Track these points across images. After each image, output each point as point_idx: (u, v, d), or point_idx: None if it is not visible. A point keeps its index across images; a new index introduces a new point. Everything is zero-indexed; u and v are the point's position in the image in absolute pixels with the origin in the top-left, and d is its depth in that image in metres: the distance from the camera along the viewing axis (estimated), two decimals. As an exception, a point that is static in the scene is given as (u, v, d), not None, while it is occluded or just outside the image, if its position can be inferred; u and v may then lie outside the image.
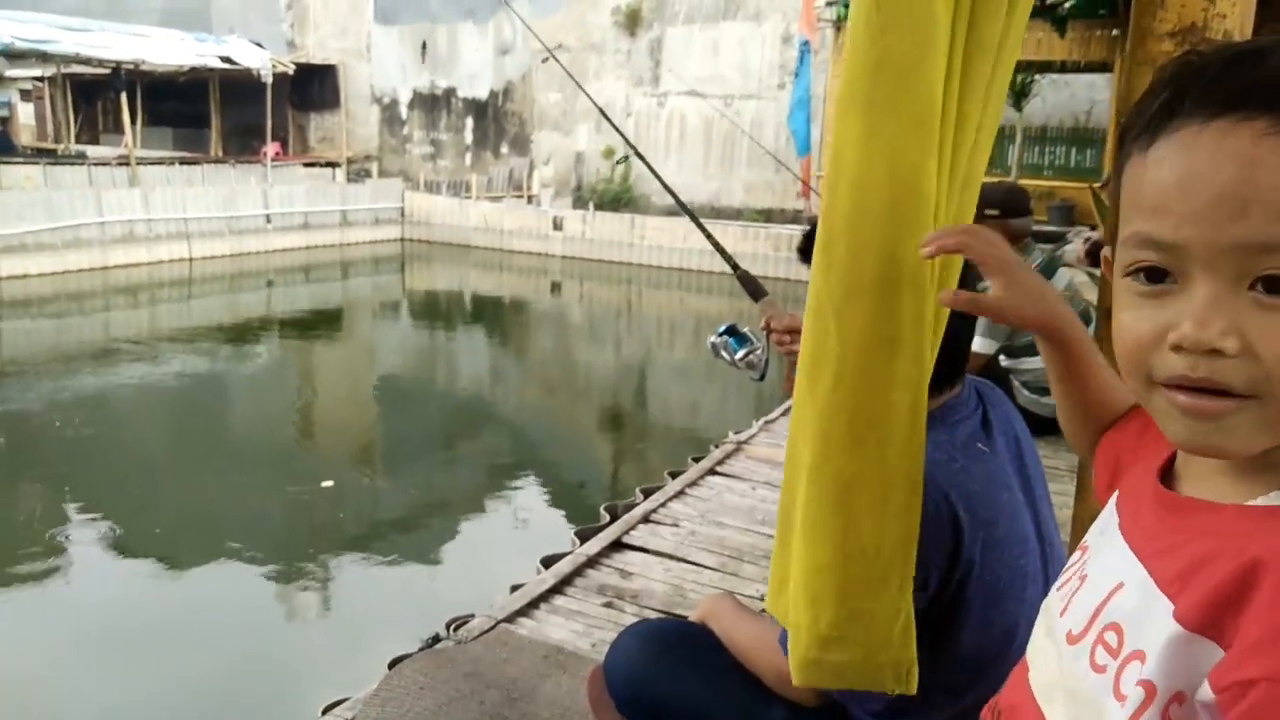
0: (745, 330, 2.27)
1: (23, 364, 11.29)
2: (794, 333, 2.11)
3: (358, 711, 2.56)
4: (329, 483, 7.20)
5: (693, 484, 4.45)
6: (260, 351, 12.79)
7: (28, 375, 10.70)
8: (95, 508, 6.78)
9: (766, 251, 16.43)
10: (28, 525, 6.60)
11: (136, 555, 6.01)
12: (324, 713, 2.63)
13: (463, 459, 8.52)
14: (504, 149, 22.31)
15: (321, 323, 14.90)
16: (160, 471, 7.82)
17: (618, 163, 20.39)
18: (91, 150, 20.96)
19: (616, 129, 4.05)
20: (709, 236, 2.79)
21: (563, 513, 6.89)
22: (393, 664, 2.88)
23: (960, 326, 1.54)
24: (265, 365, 12.13)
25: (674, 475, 4.68)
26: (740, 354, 2.23)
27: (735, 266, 2.49)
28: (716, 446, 5.10)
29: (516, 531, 6.68)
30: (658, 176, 3.08)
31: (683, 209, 3.01)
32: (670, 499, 4.25)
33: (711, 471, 4.63)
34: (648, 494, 4.38)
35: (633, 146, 3.72)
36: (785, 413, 5.75)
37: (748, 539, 3.87)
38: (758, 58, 19.04)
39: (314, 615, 5.42)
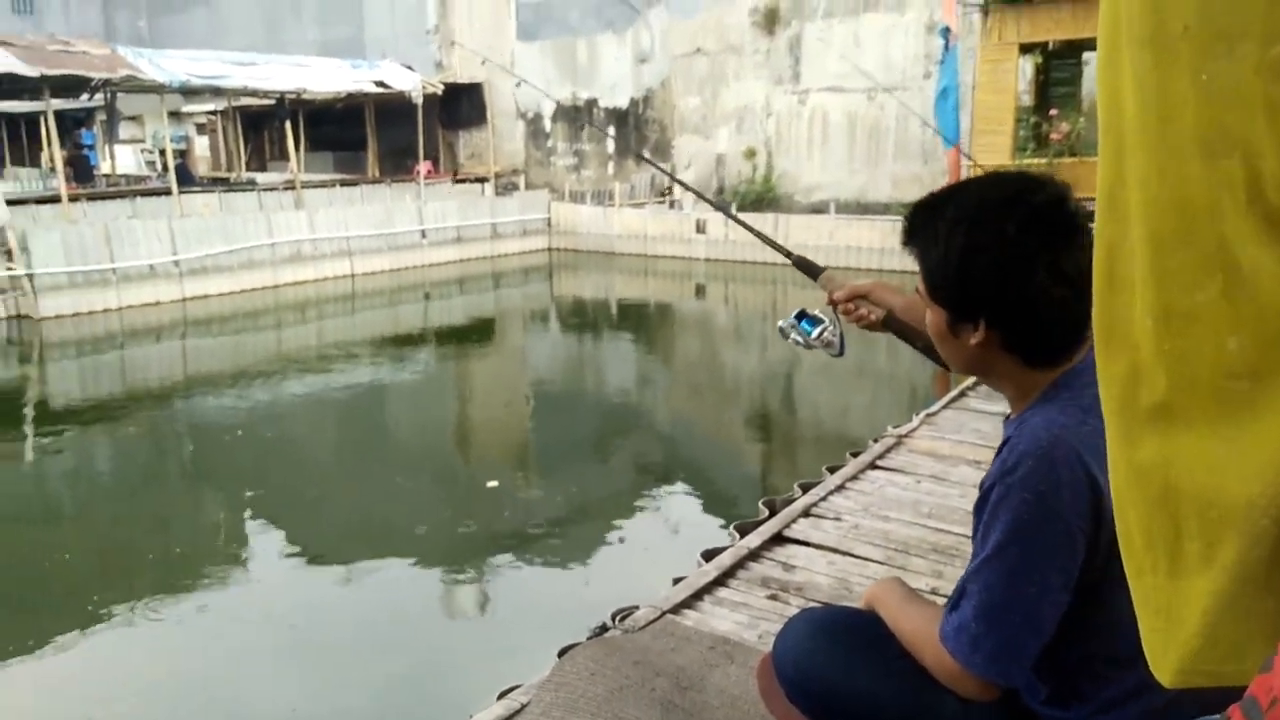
0: (815, 312, 2.25)
1: (206, 379, 12.09)
2: (855, 299, 2.11)
3: (532, 696, 2.61)
4: (494, 483, 7.43)
5: (853, 478, 4.37)
6: (420, 361, 13.29)
7: (211, 389, 11.45)
8: (273, 513, 7.18)
9: (916, 246, 15.98)
10: (212, 531, 7.05)
11: (313, 557, 6.33)
12: (499, 698, 2.70)
13: (615, 460, 8.63)
14: (645, 154, 22.49)
15: (476, 332, 15.38)
16: (333, 477, 8.22)
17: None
18: (260, 177, 22.29)
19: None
20: (748, 227, 2.82)
21: (717, 509, 6.89)
22: (562, 653, 2.94)
23: (1074, 292, 1.47)
24: (426, 374, 12.59)
25: (832, 470, 4.61)
26: (814, 334, 2.21)
27: (789, 254, 2.47)
28: (875, 441, 5.00)
29: (672, 528, 6.72)
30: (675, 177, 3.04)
31: (706, 200, 3.02)
32: (830, 493, 4.18)
33: (872, 466, 4.54)
34: (806, 489, 4.33)
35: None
36: (946, 405, 5.58)
37: (914, 532, 3.77)
38: (900, 49, 18.58)
39: (483, 610, 5.58)
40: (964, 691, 1.69)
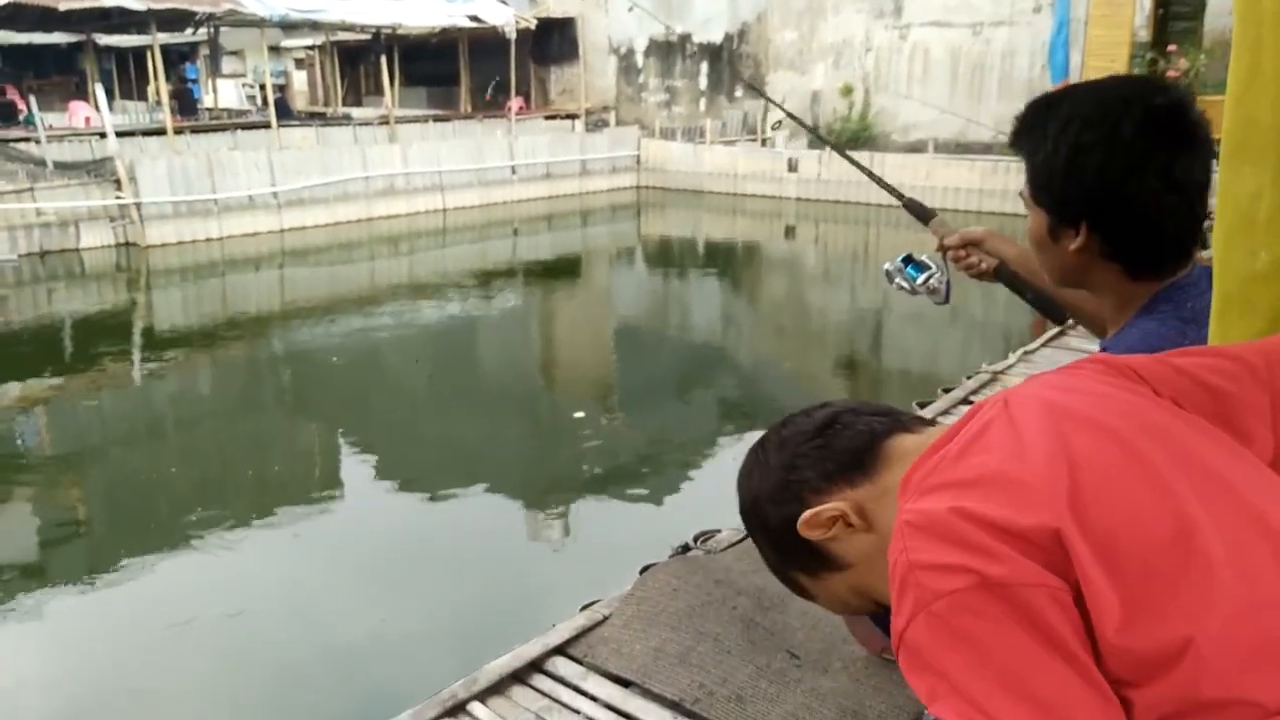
0: (923, 257, 2.16)
1: (304, 308, 12.40)
2: (968, 245, 2.03)
3: (613, 609, 2.62)
4: (579, 414, 7.49)
5: (944, 413, 4.26)
6: (508, 296, 13.41)
7: (307, 318, 11.75)
8: (366, 437, 7.36)
9: (1017, 187, 15.45)
10: (307, 453, 7.27)
11: (404, 480, 6.48)
12: (581, 609, 2.72)
13: (698, 396, 8.60)
14: (738, 93, 22.08)
15: (563, 268, 15.43)
16: (423, 405, 8.38)
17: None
18: (356, 112, 22.57)
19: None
20: (857, 165, 2.67)
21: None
22: (643, 570, 2.93)
23: (1184, 200, 1.38)
24: (513, 309, 12.71)
25: (922, 405, 4.50)
26: (920, 280, 2.13)
27: (900, 195, 2.35)
28: (969, 378, 4.86)
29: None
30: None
31: (818, 136, 2.86)
32: (921, 427, 4.09)
33: (965, 401, 4.41)
34: (896, 422, 4.24)
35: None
36: (1045, 344, 5.40)
37: (1007, 468, 3.66)
38: (1011, -19, 17.80)
39: (566, 533, 5.66)
40: None
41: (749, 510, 1.17)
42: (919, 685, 0.85)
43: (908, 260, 2.18)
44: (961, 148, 17.98)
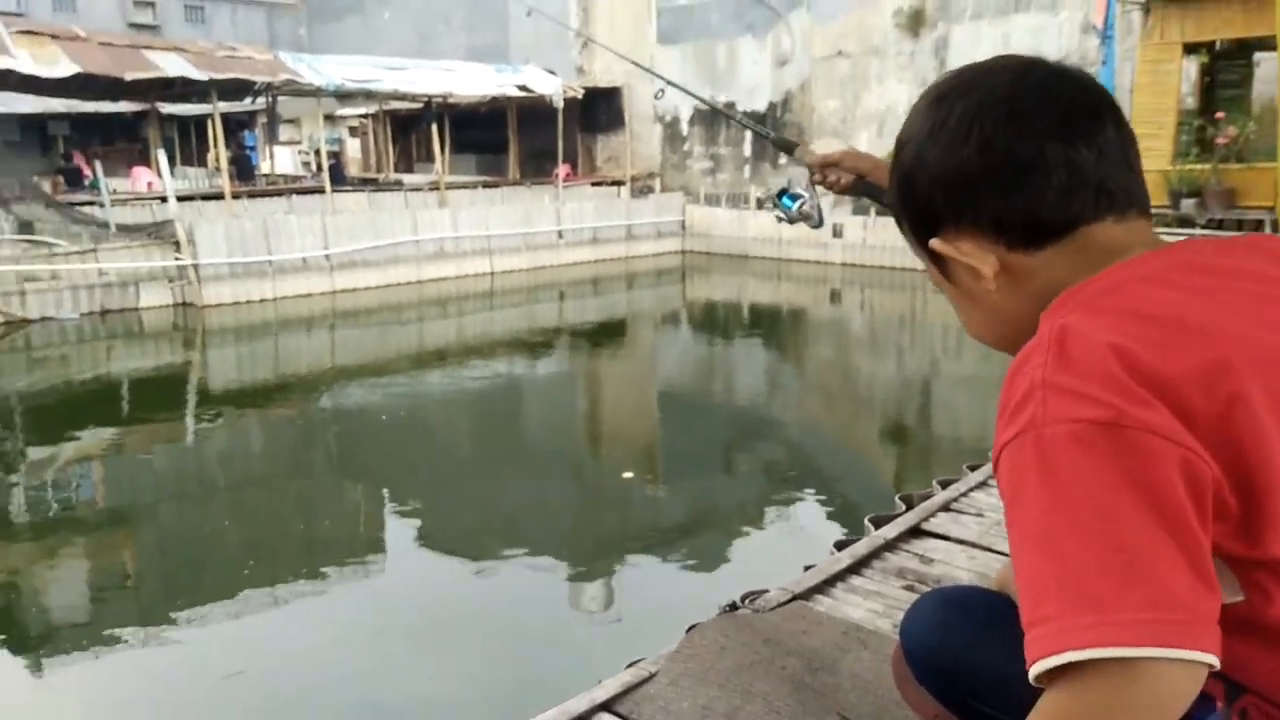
0: (796, 189, 2.32)
1: (354, 368, 12.60)
2: (827, 166, 2.16)
3: (660, 666, 2.60)
4: (628, 474, 7.50)
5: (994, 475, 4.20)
6: (554, 359, 13.52)
7: (358, 378, 11.92)
8: (412, 497, 7.42)
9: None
10: (353, 512, 7.33)
11: (450, 540, 6.50)
12: (627, 667, 2.70)
13: (744, 458, 8.57)
14: (782, 159, 22.21)
15: (608, 332, 15.54)
16: (470, 465, 8.43)
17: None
18: (407, 178, 23.14)
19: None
20: (725, 113, 2.94)
21: (846, 506, 6.76)
22: (690, 629, 2.92)
23: None
24: (559, 371, 12.80)
25: (973, 468, 4.45)
26: (794, 208, 2.30)
27: (767, 134, 2.55)
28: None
29: (799, 522, 6.63)
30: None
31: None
32: (972, 489, 4.04)
33: (1015, 464, 4.36)
34: (945, 484, 4.19)
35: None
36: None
37: (1060, 532, 3.60)
38: (1054, 49, 17.87)
39: (612, 592, 5.62)
40: None
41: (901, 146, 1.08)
42: (1006, 499, 0.84)
43: (782, 192, 2.33)
44: (1007, 214, 17.96)
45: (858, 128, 20.73)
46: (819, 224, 2.34)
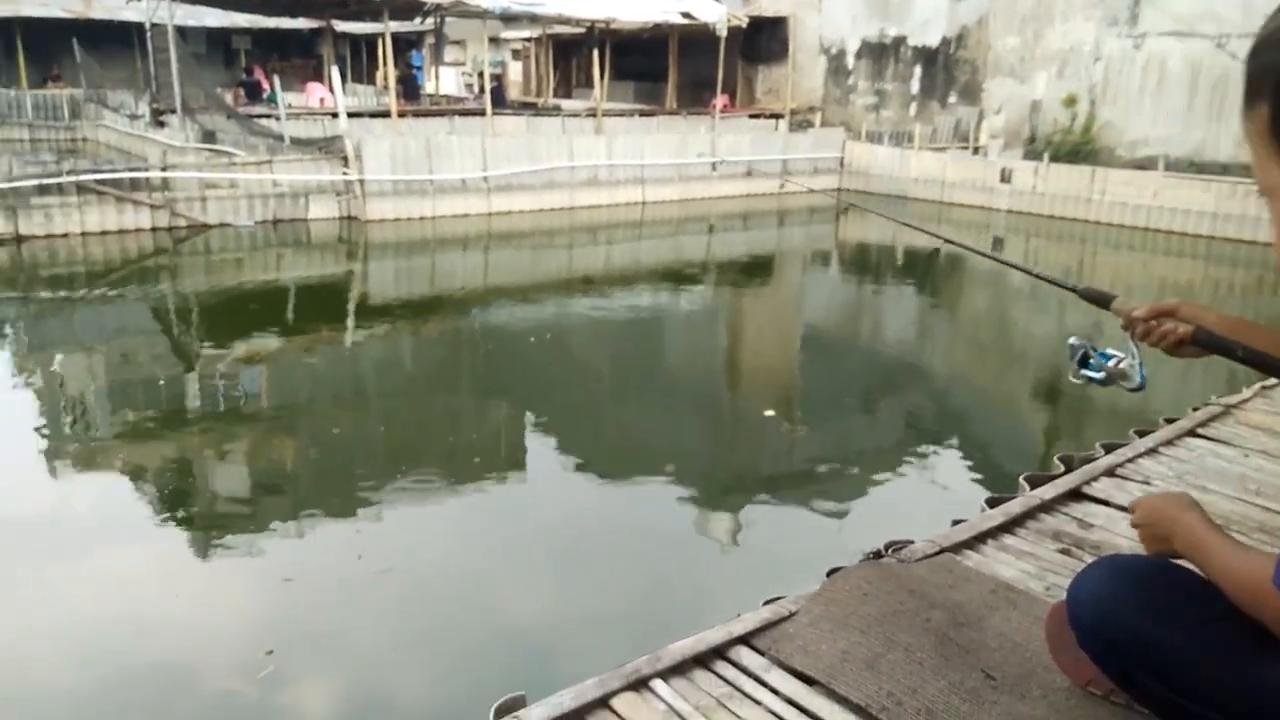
0: (1102, 349, 2.14)
1: (505, 289, 12.88)
2: (1159, 315, 1.93)
3: (800, 607, 2.56)
4: (770, 412, 7.44)
5: (1167, 443, 3.96)
6: (699, 292, 13.46)
7: (508, 299, 12.19)
8: (554, 419, 7.55)
9: (1257, 213, 14.24)
10: (495, 427, 7.52)
11: (588, 465, 6.59)
12: (764, 604, 2.68)
13: (890, 405, 8.36)
14: (951, 98, 21.33)
15: (755, 268, 15.35)
16: (612, 392, 8.53)
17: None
18: (565, 103, 23.25)
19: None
20: (1021, 269, 2.51)
21: (998, 463, 6.52)
22: (831, 573, 2.86)
23: None
24: (703, 305, 12.74)
25: (1141, 434, 4.20)
26: (1106, 366, 2.09)
27: (1073, 287, 2.32)
28: (1196, 410, 4.50)
29: (947, 476, 6.44)
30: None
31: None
32: (1140, 455, 3.81)
33: (1191, 433, 4.09)
34: (1110, 449, 3.97)
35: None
36: (1288, 379, 4.93)
37: (1237, 508, 3.37)
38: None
39: (751, 529, 5.61)
40: None
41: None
42: None
43: (1084, 357, 2.13)
44: (1196, 167, 16.71)
45: (1035, 67, 19.58)
46: (1140, 386, 2.08)
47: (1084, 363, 2.16)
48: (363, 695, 3.79)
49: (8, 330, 9.84)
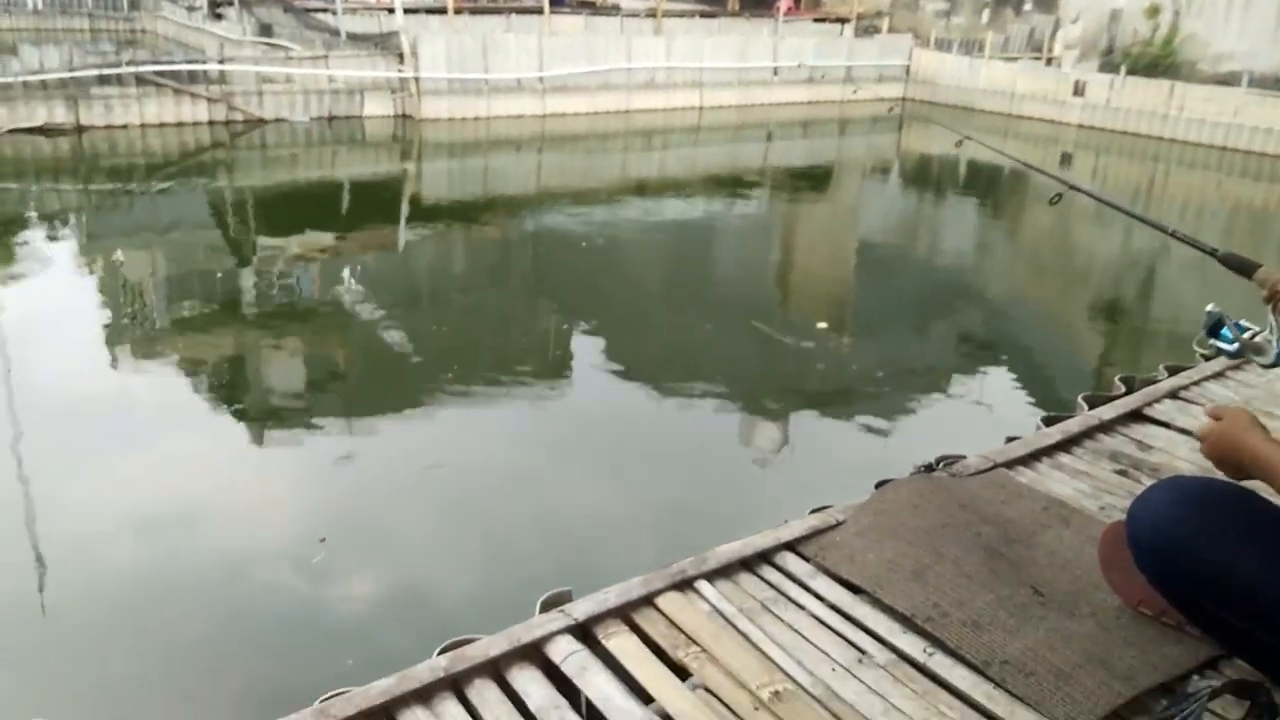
0: (1235, 321, 2.05)
1: (557, 192, 12.78)
2: None
3: (848, 516, 2.55)
4: (823, 324, 7.36)
5: (1234, 368, 3.83)
6: (754, 200, 13.24)
7: (560, 201, 12.09)
8: (601, 324, 7.53)
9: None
10: (543, 330, 7.52)
11: (634, 371, 6.56)
12: (811, 512, 2.66)
13: (943, 322, 8.22)
14: (1026, 5, 20.47)
15: (813, 178, 15.04)
16: (661, 300, 8.48)
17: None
18: (624, 3, 22.64)
19: None
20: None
21: (1054, 383, 6.41)
22: (880, 484, 2.84)
23: None
24: (757, 214, 12.55)
25: (1208, 358, 4.07)
26: (1241, 338, 2.00)
27: (1212, 250, 2.25)
28: (1266, 334, 4.35)
29: (997, 396, 6.35)
30: None
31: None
32: (1205, 379, 3.71)
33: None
34: (1173, 371, 3.86)
35: None
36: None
37: (1305, 435, 3.26)
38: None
39: (798, 439, 5.60)
40: None
41: None
42: None
43: (1215, 330, 2.06)
44: (1282, 83, 15.96)
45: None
46: (1276, 363, 1.97)
47: (1215, 331, 2.07)
48: (411, 584, 3.88)
49: (70, 220, 10.00)
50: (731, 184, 13.71)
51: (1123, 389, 3.71)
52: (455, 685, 1.92)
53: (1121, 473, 2.96)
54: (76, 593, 3.73)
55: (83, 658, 3.33)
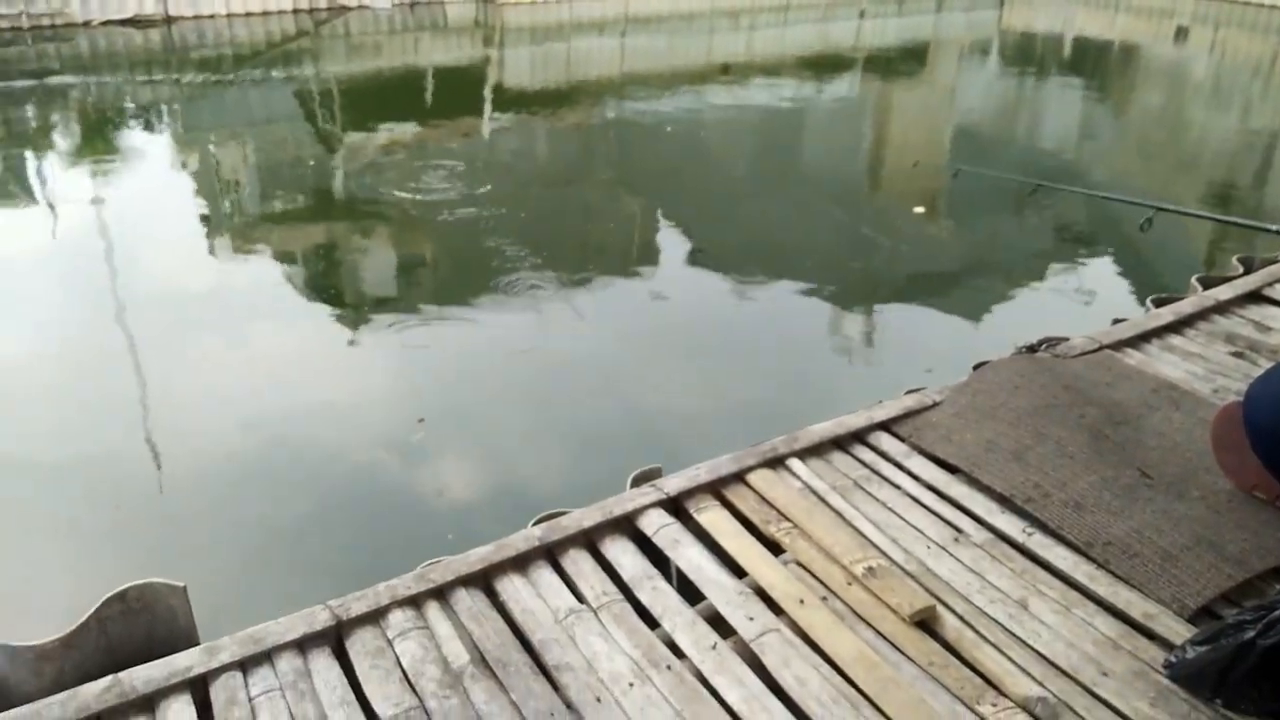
0: None
1: (641, 76, 12.48)
2: None
3: (945, 397, 2.49)
4: (920, 209, 7.15)
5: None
6: (845, 81, 12.77)
7: (644, 87, 11.82)
8: (689, 211, 7.42)
9: None
10: (627, 221, 7.44)
11: (724, 255, 6.47)
12: (906, 393, 2.61)
13: (1041, 210, 7.89)
14: None
15: (909, 57, 14.42)
16: (748, 184, 8.30)
17: None
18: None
19: None
20: None
21: (1152, 271, 6.14)
22: (978, 366, 2.76)
23: None
24: (848, 97, 12.11)
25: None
26: None
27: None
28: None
29: (1099, 281, 6.12)
30: None
31: None
32: (1332, 258, 3.49)
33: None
34: (1297, 252, 3.65)
35: None
36: None
37: None
38: None
39: (890, 323, 5.49)
40: None
41: None
42: None
43: None
44: None
45: None
46: None
47: None
48: (506, 462, 3.96)
49: (162, 110, 10.16)
50: (822, 64, 13.23)
51: (1240, 270, 3.53)
52: (550, 554, 1.96)
53: (1237, 354, 2.83)
54: (191, 470, 3.89)
55: (200, 528, 3.50)
